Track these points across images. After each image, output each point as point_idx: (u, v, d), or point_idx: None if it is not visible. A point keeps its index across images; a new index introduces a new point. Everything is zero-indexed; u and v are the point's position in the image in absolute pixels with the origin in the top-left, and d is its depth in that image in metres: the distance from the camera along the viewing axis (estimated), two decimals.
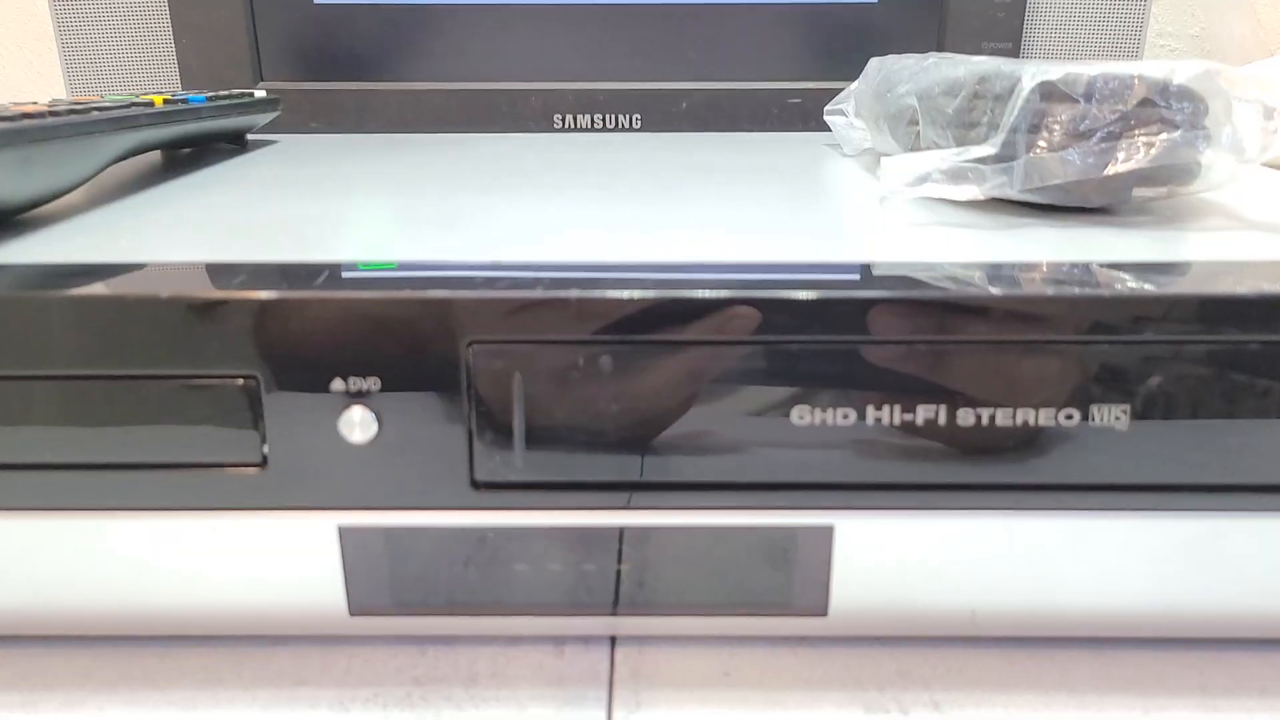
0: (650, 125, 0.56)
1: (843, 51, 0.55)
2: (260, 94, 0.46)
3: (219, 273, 0.24)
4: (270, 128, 0.55)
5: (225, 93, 0.44)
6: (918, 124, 0.34)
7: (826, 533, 0.24)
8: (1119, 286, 0.22)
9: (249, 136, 0.49)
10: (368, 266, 0.24)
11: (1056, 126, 0.29)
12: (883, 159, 0.30)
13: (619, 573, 0.25)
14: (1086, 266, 0.24)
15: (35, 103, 0.33)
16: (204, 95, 0.41)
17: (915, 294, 0.22)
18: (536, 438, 0.23)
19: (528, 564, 0.25)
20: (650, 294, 0.22)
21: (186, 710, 0.23)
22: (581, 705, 0.23)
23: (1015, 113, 0.29)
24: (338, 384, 0.23)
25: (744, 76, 0.56)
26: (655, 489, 0.23)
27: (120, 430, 0.23)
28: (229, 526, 0.24)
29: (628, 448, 0.23)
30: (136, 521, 0.24)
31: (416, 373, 0.23)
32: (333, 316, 0.22)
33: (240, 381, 0.23)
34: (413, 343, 0.23)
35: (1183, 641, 0.25)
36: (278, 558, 0.24)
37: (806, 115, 0.56)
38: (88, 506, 0.24)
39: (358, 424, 0.23)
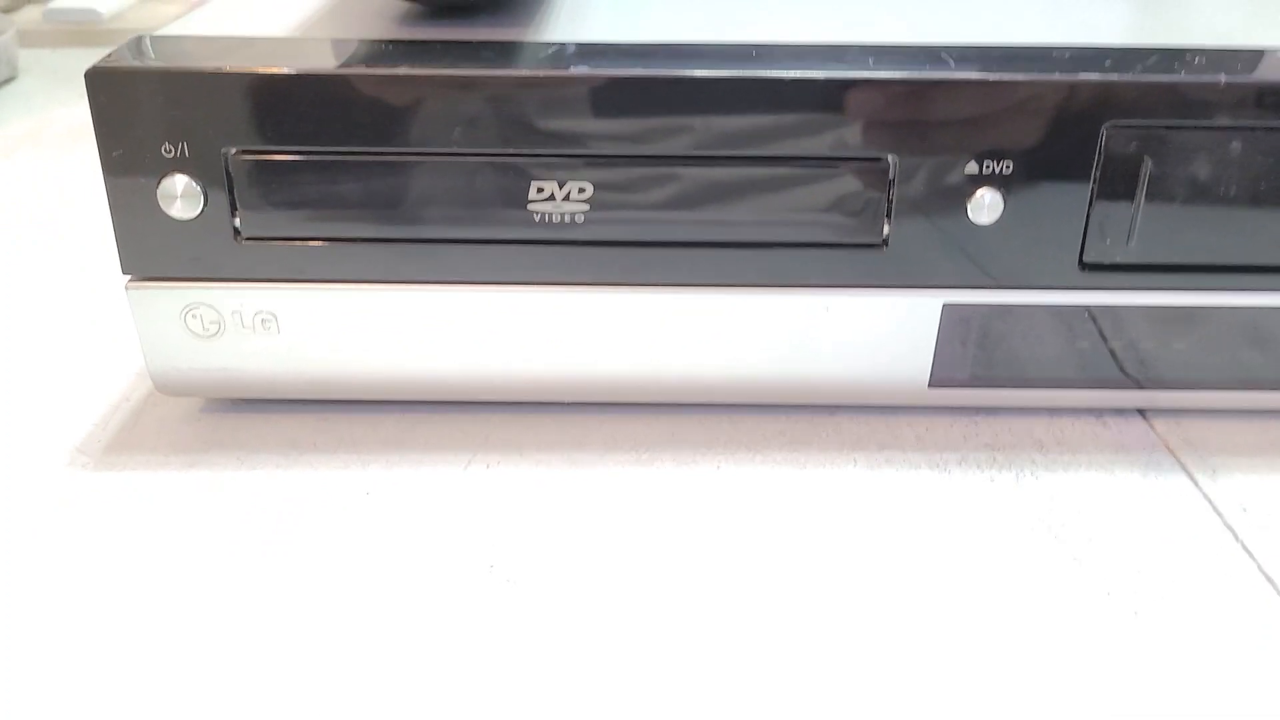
0: None
1: None
2: None
3: (845, 52, 0.24)
4: None
5: None
6: None
7: None
8: None
9: None
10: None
11: None
12: None
13: (1172, 350, 0.26)
14: None
15: None
16: None
17: None
18: (1152, 221, 0.24)
19: (1089, 342, 0.26)
20: None
21: (798, 469, 0.26)
22: (1160, 470, 0.26)
23: None
24: (971, 167, 0.24)
25: None
26: (1258, 271, 0.25)
27: (751, 211, 0.24)
28: (839, 304, 0.25)
29: (1236, 231, 0.24)
30: (750, 298, 0.25)
31: (1050, 155, 0.23)
32: (974, 100, 0.23)
33: (872, 163, 0.24)
34: (1051, 125, 0.23)
35: None
36: (879, 334, 0.26)
37: None
38: (709, 283, 0.25)
39: (987, 206, 0.24)
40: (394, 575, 0.22)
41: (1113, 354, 0.26)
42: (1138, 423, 0.27)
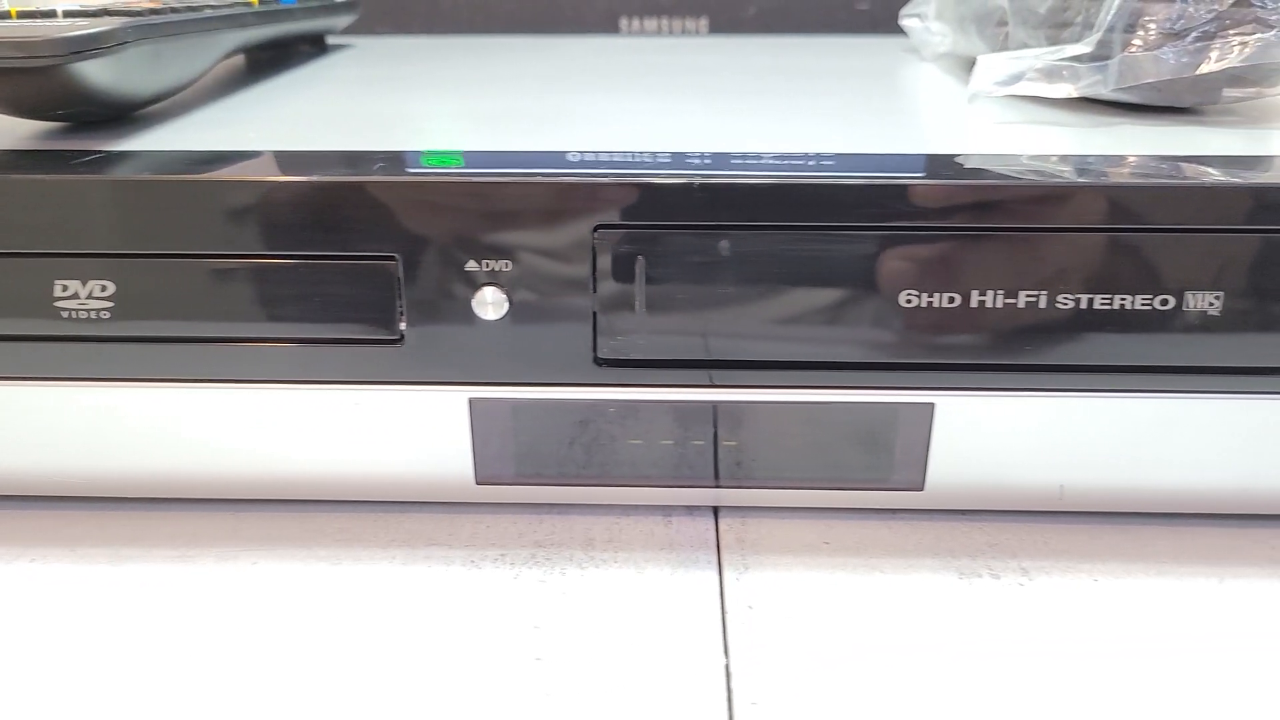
0: (717, 29, 0.57)
1: None
2: None
3: (359, 160, 0.25)
4: (344, 31, 0.56)
5: None
6: (1006, 25, 0.34)
7: (927, 410, 0.25)
8: (1209, 178, 0.23)
9: (329, 39, 0.49)
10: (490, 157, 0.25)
11: (1152, 25, 0.29)
12: (979, 58, 0.31)
13: (725, 447, 0.26)
14: (1174, 160, 0.25)
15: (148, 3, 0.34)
16: None
17: (1014, 183, 0.23)
18: (656, 318, 0.25)
19: (642, 438, 0.26)
20: (771, 180, 0.23)
21: (333, 565, 0.26)
22: (693, 567, 0.25)
23: (1112, 12, 0.29)
24: (471, 265, 0.24)
25: None
26: (768, 368, 0.25)
27: (268, 308, 0.25)
28: (368, 399, 0.26)
29: (743, 328, 0.25)
30: (281, 394, 0.26)
31: (546, 254, 0.24)
32: (469, 201, 0.24)
33: (380, 262, 0.24)
34: (543, 227, 0.24)
35: (1260, 518, 0.27)
36: (412, 429, 0.26)
37: (875, 20, 0.55)
38: (237, 379, 0.25)
39: (490, 303, 0.24)
40: None
41: (668, 452, 0.26)
42: (705, 521, 0.27)
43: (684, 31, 0.57)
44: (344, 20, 0.48)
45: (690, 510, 0.28)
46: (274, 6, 0.39)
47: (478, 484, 0.27)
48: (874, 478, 0.26)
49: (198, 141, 0.27)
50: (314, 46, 0.48)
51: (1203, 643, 0.23)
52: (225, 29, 0.34)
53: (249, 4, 0.37)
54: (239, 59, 0.44)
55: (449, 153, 0.26)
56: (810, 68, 0.41)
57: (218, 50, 0.34)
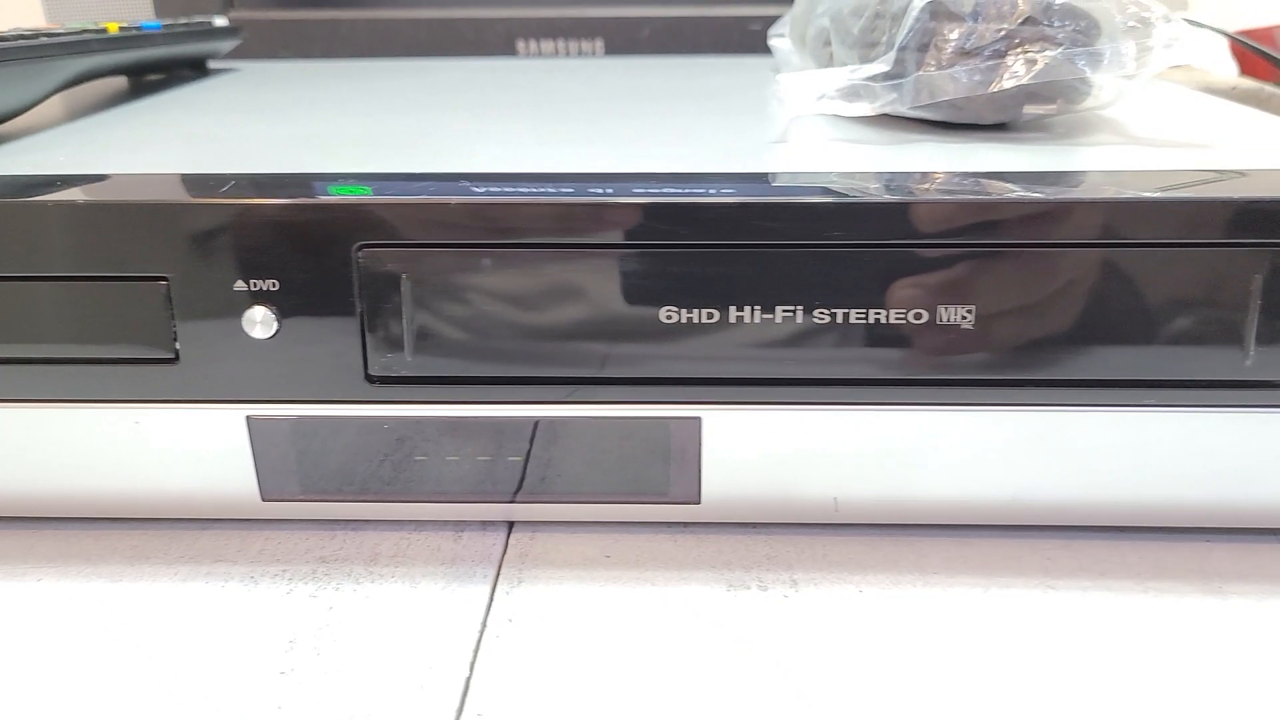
0: (613, 51, 0.57)
1: None
2: (220, 22, 0.48)
3: (132, 182, 0.25)
4: (242, 55, 0.57)
5: (183, 20, 0.45)
6: (830, 45, 0.35)
7: (695, 424, 0.26)
8: (958, 192, 0.24)
9: (211, 64, 0.50)
10: (295, 176, 0.26)
11: (945, 45, 0.30)
12: (780, 77, 0.32)
13: (512, 463, 0.27)
14: (948, 175, 0.25)
15: None
16: (159, 22, 0.42)
17: (765, 200, 0.24)
18: (424, 336, 0.25)
19: (425, 454, 0.27)
20: (531, 199, 0.24)
21: (113, 581, 0.26)
22: (469, 581, 0.26)
23: (905, 31, 0.30)
24: (240, 285, 0.25)
25: (704, 2, 0.57)
26: (536, 383, 0.25)
27: (46, 329, 0.25)
28: (148, 418, 0.26)
29: (510, 345, 0.25)
30: (65, 413, 0.26)
31: (311, 275, 0.25)
32: (233, 221, 0.24)
33: (152, 283, 0.25)
34: (306, 246, 0.24)
35: (1029, 529, 0.27)
36: (193, 447, 0.26)
37: (765, 41, 0.56)
38: (21, 398, 0.26)
39: (259, 322, 0.25)
40: None
41: (455, 467, 0.27)
42: (496, 536, 0.28)
43: (580, 53, 0.57)
44: (225, 45, 0.49)
45: (485, 526, 0.28)
46: (132, 33, 0.39)
47: (264, 501, 0.27)
48: (654, 491, 0.27)
49: (7, 166, 0.28)
50: (195, 71, 0.48)
51: (953, 651, 0.23)
52: (63, 56, 0.34)
53: (102, 30, 0.38)
54: (121, 82, 0.45)
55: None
56: (666, 88, 0.41)
57: (55, 77, 0.34)
